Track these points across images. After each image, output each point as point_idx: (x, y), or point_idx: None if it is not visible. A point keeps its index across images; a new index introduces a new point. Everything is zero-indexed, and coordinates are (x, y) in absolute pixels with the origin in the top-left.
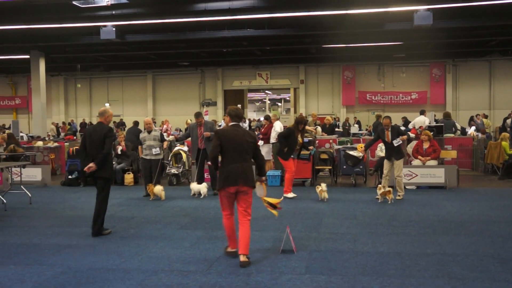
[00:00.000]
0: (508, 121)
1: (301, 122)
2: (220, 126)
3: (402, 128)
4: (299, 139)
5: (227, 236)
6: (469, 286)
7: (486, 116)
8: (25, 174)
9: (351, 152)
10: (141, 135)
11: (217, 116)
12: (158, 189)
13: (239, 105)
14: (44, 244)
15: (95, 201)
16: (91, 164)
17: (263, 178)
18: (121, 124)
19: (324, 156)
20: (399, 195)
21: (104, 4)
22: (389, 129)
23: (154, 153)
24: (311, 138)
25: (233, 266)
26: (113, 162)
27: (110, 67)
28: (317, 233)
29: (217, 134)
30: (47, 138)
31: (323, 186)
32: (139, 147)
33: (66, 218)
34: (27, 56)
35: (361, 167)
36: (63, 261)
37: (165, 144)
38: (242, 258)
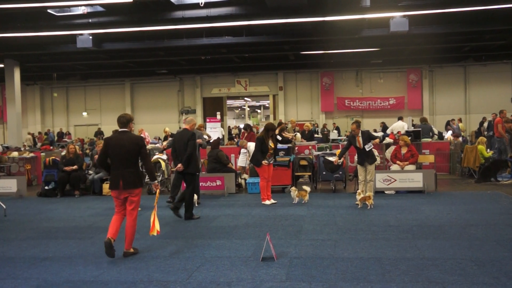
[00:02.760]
0: (485, 124)
1: (271, 129)
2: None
3: (380, 133)
4: (271, 144)
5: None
6: None
7: (460, 120)
8: (0, 186)
9: (330, 158)
10: None
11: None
12: None
13: (218, 113)
14: (19, 257)
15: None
16: (179, 165)
17: (155, 183)
18: (99, 133)
19: (303, 162)
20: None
21: (80, 12)
22: (360, 134)
23: None
24: (290, 143)
25: (213, 275)
26: (91, 172)
27: (87, 75)
28: (298, 239)
29: (104, 141)
30: (22, 149)
31: (307, 188)
32: None
33: (43, 230)
34: (1, 65)
35: (340, 173)
36: (39, 274)
37: None
38: (126, 251)
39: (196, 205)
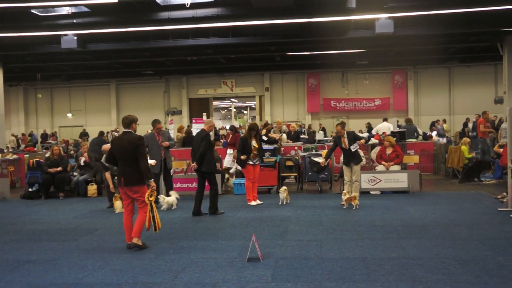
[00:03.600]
0: (470, 125)
1: (253, 129)
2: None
3: (366, 134)
4: (254, 144)
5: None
6: None
7: (445, 121)
8: None
9: (316, 159)
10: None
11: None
12: (119, 206)
13: (205, 113)
14: (1, 260)
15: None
16: (193, 164)
17: (151, 181)
18: (84, 135)
19: (289, 163)
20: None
21: (65, 12)
22: (345, 135)
23: None
24: (276, 143)
25: (199, 277)
26: (76, 174)
27: (72, 76)
28: (283, 240)
29: (110, 142)
30: (5, 150)
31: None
32: None
33: (26, 232)
34: None
35: (326, 173)
36: (22, 277)
37: None
38: (134, 240)
39: (174, 207)
